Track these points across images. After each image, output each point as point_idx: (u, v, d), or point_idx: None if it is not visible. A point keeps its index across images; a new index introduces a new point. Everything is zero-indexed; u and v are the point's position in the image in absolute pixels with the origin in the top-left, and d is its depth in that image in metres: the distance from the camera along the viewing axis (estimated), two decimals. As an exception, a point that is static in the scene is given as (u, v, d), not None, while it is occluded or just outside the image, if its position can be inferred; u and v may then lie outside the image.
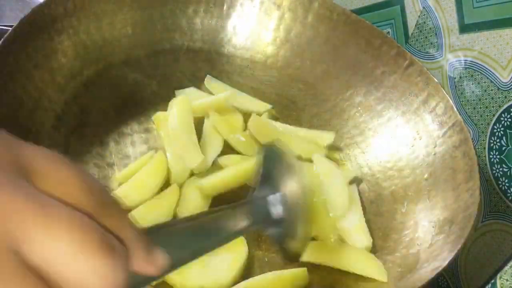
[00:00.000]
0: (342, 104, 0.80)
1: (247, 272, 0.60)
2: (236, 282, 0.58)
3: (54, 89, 0.68)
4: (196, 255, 0.39)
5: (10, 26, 0.63)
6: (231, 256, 0.59)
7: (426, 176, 0.70)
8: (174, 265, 0.35)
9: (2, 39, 0.61)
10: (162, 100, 0.74)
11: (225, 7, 0.84)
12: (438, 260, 0.57)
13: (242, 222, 0.45)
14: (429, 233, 0.63)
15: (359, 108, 0.79)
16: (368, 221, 0.69)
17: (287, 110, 0.80)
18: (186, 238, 0.37)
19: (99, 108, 0.71)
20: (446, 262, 0.56)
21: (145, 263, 0.29)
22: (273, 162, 0.51)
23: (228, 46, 0.84)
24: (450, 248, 0.58)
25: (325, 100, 0.81)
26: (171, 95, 0.75)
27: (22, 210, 0.23)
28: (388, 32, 0.85)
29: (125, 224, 0.28)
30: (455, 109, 0.70)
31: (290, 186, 0.50)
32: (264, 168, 0.52)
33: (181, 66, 0.80)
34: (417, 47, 0.81)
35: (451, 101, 0.70)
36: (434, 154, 0.70)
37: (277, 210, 0.48)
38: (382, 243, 0.66)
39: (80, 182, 0.26)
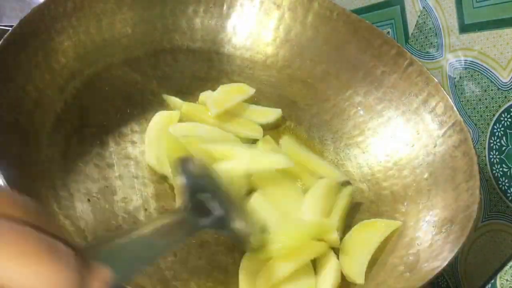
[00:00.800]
0: (342, 104, 0.80)
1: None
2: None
3: (54, 89, 0.68)
4: (138, 268, 0.40)
5: (10, 26, 0.63)
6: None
7: (426, 175, 0.70)
8: (125, 275, 0.35)
9: (2, 39, 0.61)
10: (162, 100, 0.74)
11: (225, 7, 0.84)
12: (438, 260, 0.57)
13: (188, 227, 0.47)
14: (429, 233, 0.63)
15: (359, 108, 0.79)
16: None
17: (287, 110, 0.80)
18: (128, 254, 0.37)
19: (99, 108, 0.71)
20: (446, 262, 0.56)
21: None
22: (191, 171, 0.54)
23: (228, 46, 0.84)
24: (450, 248, 0.58)
25: (325, 100, 0.81)
26: (171, 95, 0.75)
27: None
28: (388, 32, 0.85)
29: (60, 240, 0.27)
30: (455, 108, 0.70)
31: (214, 184, 0.54)
32: (185, 176, 0.53)
33: (181, 66, 0.80)
34: (417, 47, 0.81)
35: (451, 101, 0.70)
36: (434, 154, 0.70)
37: (213, 206, 0.50)
38: (383, 243, 0.66)
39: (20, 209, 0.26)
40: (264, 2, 0.84)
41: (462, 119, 0.69)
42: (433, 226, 0.64)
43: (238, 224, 0.53)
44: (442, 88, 0.72)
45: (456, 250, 0.57)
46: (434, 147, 0.70)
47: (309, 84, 0.82)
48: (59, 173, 0.63)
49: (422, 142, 0.72)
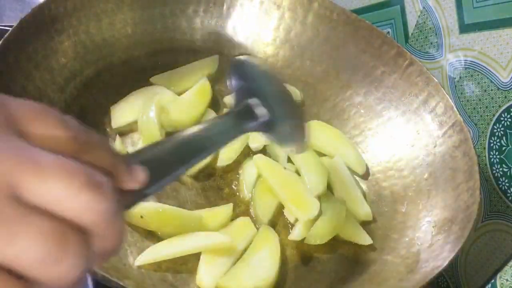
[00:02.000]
0: (342, 104, 0.80)
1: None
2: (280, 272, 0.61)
3: (54, 89, 0.68)
4: (183, 167, 0.41)
5: (10, 26, 0.63)
6: (267, 251, 0.61)
7: (426, 176, 0.70)
8: (160, 179, 0.37)
9: (2, 39, 0.61)
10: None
11: (225, 7, 0.84)
12: (438, 260, 0.58)
13: (233, 129, 0.48)
14: (429, 233, 0.63)
15: (359, 108, 0.79)
16: (368, 221, 0.69)
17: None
18: (170, 155, 0.40)
19: (99, 108, 0.71)
20: (446, 262, 0.56)
21: (127, 181, 0.32)
22: (244, 74, 0.55)
23: (228, 46, 0.84)
24: (450, 248, 0.58)
25: (325, 100, 0.81)
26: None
27: (15, 163, 0.25)
28: (388, 32, 0.85)
29: (107, 155, 0.31)
30: (455, 108, 0.70)
31: (267, 89, 0.54)
32: (236, 79, 0.54)
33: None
34: (417, 47, 0.81)
35: (451, 101, 0.70)
36: (434, 154, 0.70)
37: (261, 111, 0.50)
38: (382, 243, 0.66)
39: (65, 128, 0.29)
40: (264, 2, 0.84)
41: (462, 119, 0.69)
42: (433, 226, 0.64)
43: (282, 130, 0.53)
44: (442, 88, 0.72)
45: (456, 250, 0.57)
46: (434, 147, 0.70)
47: (309, 84, 0.82)
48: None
49: (422, 142, 0.72)
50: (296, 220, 0.66)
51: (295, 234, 0.64)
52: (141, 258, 0.57)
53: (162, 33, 0.81)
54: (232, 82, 0.54)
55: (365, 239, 0.66)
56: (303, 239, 0.64)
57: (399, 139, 0.75)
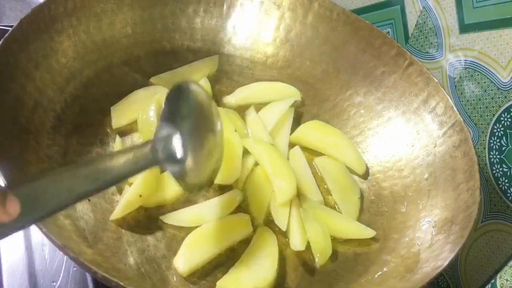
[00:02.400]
0: (342, 104, 0.80)
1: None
2: (278, 271, 0.61)
3: (54, 89, 0.68)
4: (71, 199, 0.42)
5: (10, 26, 0.63)
6: (266, 251, 0.62)
7: (426, 176, 0.70)
8: (39, 212, 0.39)
9: (2, 39, 0.61)
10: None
11: (225, 7, 0.84)
12: (439, 260, 0.57)
13: (141, 161, 0.48)
14: (429, 233, 0.63)
15: (359, 108, 0.79)
16: (368, 221, 0.69)
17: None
18: (55, 186, 0.40)
19: (99, 108, 0.71)
20: (447, 262, 0.56)
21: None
22: (181, 101, 0.53)
23: (228, 46, 0.84)
24: (451, 248, 0.58)
25: (325, 100, 0.81)
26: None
27: None
28: (388, 32, 0.85)
29: None
30: (455, 108, 0.70)
31: (195, 127, 0.53)
32: (170, 106, 0.53)
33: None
34: (417, 47, 0.81)
35: (451, 101, 0.70)
36: (434, 154, 0.70)
37: (179, 151, 0.50)
38: (382, 243, 0.66)
39: None
40: (264, 2, 0.84)
41: (462, 119, 0.69)
42: (433, 227, 0.64)
43: (194, 173, 0.52)
44: (442, 88, 0.72)
45: (456, 250, 0.57)
46: (434, 147, 0.70)
47: (309, 84, 0.82)
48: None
49: (422, 142, 0.72)
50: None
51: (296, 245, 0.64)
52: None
53: (162, 33, 0.81)
54: (164, 107, 0.53)
55: (368, 233, 0.66)
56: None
57: (399, 139, 0.75)
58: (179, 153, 0.51)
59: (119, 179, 0.49)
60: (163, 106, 0.53)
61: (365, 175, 0.74)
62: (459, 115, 0.69)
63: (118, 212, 0.61)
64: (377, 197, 0.72)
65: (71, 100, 0.69)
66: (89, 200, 0.62)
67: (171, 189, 0.65)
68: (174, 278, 0.58)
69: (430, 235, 0.63)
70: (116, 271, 0.55)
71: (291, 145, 0.76)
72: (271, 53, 0.85)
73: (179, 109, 0.53)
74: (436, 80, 0.72)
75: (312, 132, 0.77)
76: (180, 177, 0.52)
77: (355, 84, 0.80)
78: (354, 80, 0.80)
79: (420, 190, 0.69)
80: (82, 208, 0.61)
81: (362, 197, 0.72)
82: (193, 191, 0.65)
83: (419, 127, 0.73)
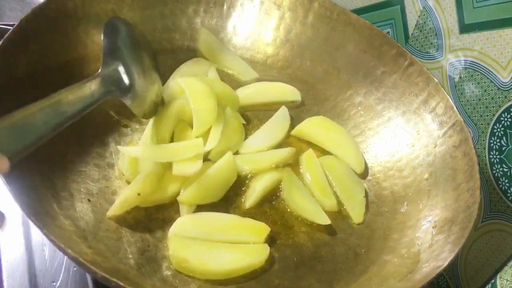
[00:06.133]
0: (342, 104, 0.80)
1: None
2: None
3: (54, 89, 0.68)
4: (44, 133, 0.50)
5: (10, 25, 0.63)
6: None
7: (426, 176, 0.70)
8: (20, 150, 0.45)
9: (2, 40, 0.61)
10: (162, 100, 0.74)
11: (225, 7, 0.84)
12: (439, 260, 0.57)
13: (95, 94, 0.57)
14: (429, 233, 0.63)
15: (359, 108, 0.79)
16: (368, 221, 0.69)
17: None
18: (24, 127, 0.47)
19: (99, 109, 0.70)
20: (447, 262, 0.56)
21: None
22: (115, 36, 0.64)
23: (228, 46, 0.84)
24: (451, 248, 0.58)
25: (325, 100, 0.81)
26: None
27: None
28: (388, 32, 0.85)
29: None
30: (455, 109, 0.70)
31: (133, 54, 0.64)
32: (109, 42, 0.63)
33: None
34: (417, 47, 0.81)
35: (451, 101, 0.70)
36: (434, 154, 0.70)
37: (126, 78, 0.61)
38: (383, 243, 0.66)
39: None
40: (264, 2, 0.84)
41: (462, 119, 0.69)
42: (433, 227, 0.64)
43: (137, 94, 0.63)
44: (442, 88, 0.72)
45: (456, 250, 0.57)
46: (435, 147, 0.71)
47: (310, 84, 0.83)
48: (59, 173, 0.63)
49: (422, 142, 0.72)
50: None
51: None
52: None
53: (162, 33, 0.81)
54: (104, 44, 0.62)
55: (323, 219, 0.66)
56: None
57: (399, 139, 0.75)
58: (126, 80, 0.61)
59: (81, 111, 0.56)
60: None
61: (365, 175, 0.74)
62: (459, 115, 0.69)
63: (114, 208, 0.61)
64: (377, 197, 0.72)
65: (71, 101, 0.69)
66: (89, 200, 0.62)
67: (170, 189, 0.65)
68: (174, 278, 0.58)
69: (430, 235, 0.63)
70: (116, 271, 0.55)
71: (295, 138, 0.77)
72: (271, 53, 0.85)
73: (117, 43, 0.64)
74: (436, 80, 0.72)
75: (316, 127, 0.77)
76: (132, 103, 0.62)
77: (356, 84, 0.80)
78: (355, 80, 0.80)
79: (420, 190, 0.69)
80: (82, 208, 0.61)
81: (367, 195, 0.72)
82: (146, 116, 0.68)
83: (419, 127, 0.73)
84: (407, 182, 0.71)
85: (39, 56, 0.66)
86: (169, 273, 0.58)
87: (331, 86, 0.82)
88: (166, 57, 0.80)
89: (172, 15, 0.81)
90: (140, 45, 0.68)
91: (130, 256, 0.58)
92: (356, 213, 0.69)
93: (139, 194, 0.61)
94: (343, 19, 0.81)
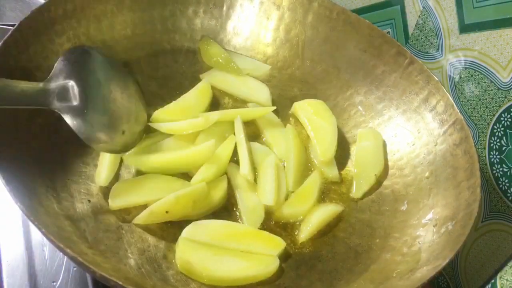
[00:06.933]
0: (342, 104, 0.80)
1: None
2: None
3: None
4: None
5: (11, 25, 0.63)
6: None
7: (427, 174, 0.70)
8: None
9: (2, 41, 0.61)
10: (161, 101, 0.74)
11: (224, 7, 0.84)
12: (439, 258, 0.57)
13: (38, 97, 0.56)
14: (430, 231, 0.63)
15: (360, 108, 0.79)
16: (369, 220, 0.69)
17: (287, 110, 0.80)
18: None
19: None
20: (447, 261, 0.56)
21: None
22: (78, 59, 0.62)
23: (228, 47, 0.85)
24: (451, 247, 0.58)
25: (325, 99, 0.80)
26: (171, 96, 0.75)
27: None
28: (388, 32, 0.85)
29: None
30: (456, 107, 0.70)
31: (90, 77, 0.61)
32: (65, 60, 0.61)
33: (181, 67, 0.80)
34: (417, 47, 0.81)
35: (451, 99, 0.70)
36: (435, 153, 0.70)
37: (75, 97, 0.57)
38: (384, 242, 0.66)
39: None
40: (264, 2, 0.84)
41: (462, 117, 0.68)
42: (434, 225, 0.63)
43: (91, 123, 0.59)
44: (442, 87, 0.72)
45: (457, 249, 0.57)
46: (435, 145, 0.70)
47: (310, 84, 0.83)
48: (60, 173, 0.63)
49: (423, 141, 0.72)
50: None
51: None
52: None
53: (162, 34, 0.81)
54: (60, 60, 0.60)
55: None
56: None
57: (400, 138, 0.75)
58: (75, 100, 0.57)
59: (17, 103, 0.56)
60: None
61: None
62: (459, 113, 0.69)
63: (140, 218, 0.61)
64: (378, 196, 0.72)
65: (71, 101, 0.69)
66: (89, 201, 0.62)
67: (199, 206, 0.64)
68: (174, 278, 0.58)
69: (431, 234, 0.63)
70: (116, 271, 0.55)
71: (292, 116, 0.79)
72: (271, 54, 0.85)
73: (77, 65, 0.61)
74: (436, 79, 0.72)
75: (306, 109, 0.78)
76: (82, 130, 0.59)
77: (356, 84, 0.80)
78: (355, 80, 0.80)
79: (421, 189, 0.69)
80: (82, 209, 0.61)
81: (380, 175, 0.73)
82: (127, 147, 0.66)
83: (419, 126, 0.73)
84: (407, 181, 0.71)
85: (40, 58, 0.67)
86: (169, 273, 0.58)
87: (331, 86, 0.82)
88: (165, 58, 0.80)
89: (172, 16, 0.81)
90: (119, 76, 0.67)
91: (130, 256, 0.59)
92: (359, 187, 0.71)
93: (167, 212, 0.61)
94: (343, 19, 0.81)
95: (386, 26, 0.86)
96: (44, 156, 0.62)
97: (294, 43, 0.84)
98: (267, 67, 0.84)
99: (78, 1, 0.71)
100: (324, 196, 0.71)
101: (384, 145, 0.75)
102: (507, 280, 0.58)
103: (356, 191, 0.71)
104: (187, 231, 0.60)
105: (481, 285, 0.73)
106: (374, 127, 0.77)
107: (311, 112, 0.77)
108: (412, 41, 0.82)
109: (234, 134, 0.72)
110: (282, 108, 0.80)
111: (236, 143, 0.71)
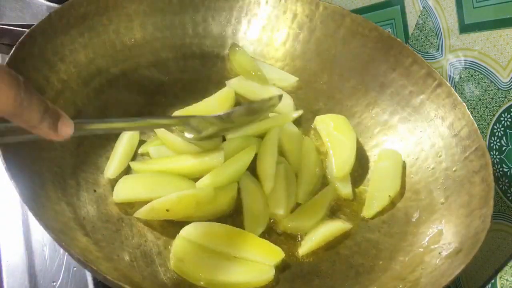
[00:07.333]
0: (366, 122, 0.78)
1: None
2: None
3: (78, 83, 0.70)
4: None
5: (11, 25, 0.65)
6: None
7: (442, 200, 0.67)
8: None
9: (29, 30, 0.64)
10: (184, 103, 0.75)
11: (258, 17, 0.84)
12: (436, 284, 0.55)
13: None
14: (435, 257, 0.60)
15: (383, 127, 0.77)
16: (376, 241, 0.67)
17: (309, 123, 0.79)
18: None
19: (120, 105, 0.73)
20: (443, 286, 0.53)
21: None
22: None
23: (257, 56, 0.85)
24: (450, 273, 0.55)
25: (350, 116, 0.79)
26: (195, 99, 0.76)
27: None
28: (388, 32, 0.83)
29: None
30: (479, 133, 0.67)
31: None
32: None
33: (208, 71, 0.81)
34: (417, 47, 0.80)
35: (475, 125, 0.68)
36: (453, 179, 0.67)
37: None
38: (387, 264, 0.63)
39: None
40: (297, 15, 0.84)
41: (485, 144, 0.66)
42: (439, 252, 0.61)
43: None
44: (468, 112, 0.69)
45: (456, 274, 0.54)
46: (454, 171, 0.68)
47: (335, 100, 0.81)
48: (70, 161, 0.64)
49: (443, 166, 0.69)
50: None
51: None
52: None
53: (192, 38, 0.82)
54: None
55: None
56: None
57: (420, 161, 0.72)
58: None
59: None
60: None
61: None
62: (482, 140, 0.66)
63: (141, 212, 0.62)
64: (389, 217, 0.69)
65: (93, 95, 0.72)
66: (95, 191, 0.63)
67: (202, 209, 0.64)
68: (165, 275, 0.58)
69: (435, 260, 0.60)
70: (107, 260, 0.56)
71: (314, 129, 0.79)
72: (299, 66, 0.84)
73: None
74: (463, 103, 0.70)
75: (327, 122, 0.77)
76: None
77: (382, 103, 0.78)
78: (381, 98, 0.78)
79: (434, 214, 0.66)
80: (87, 198, 0.62)
81: (394, 197, 0.70)
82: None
83: (442, 150, 0.70)
84: (422, 204, 0.68)
85: (66, 49, 0.69)
86: (160, 270, 0.58)
87: (358, 103, 0.80)
88: (194, 61, 0.82)
89: (204, 21, 0.82)
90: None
91: (125, 248, 0.59)
92: (372, 207, 0.69)
93: (168, 210, 0.61)
94: (375, 35, 0.79)
95: (386, 26, 0.85)
96: (57, 142, 0.63)
97: (324, 57, 0.83)
98: (294, 78, 0.83)
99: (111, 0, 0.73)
100: (334, 212, 0.69)
101: (404, 166, 0.73)
102: (507, 280, 0.57)
103: (368, 211, 0.69)
104: (186, 230, 0.60)
105: (481, 285, 0.71)
106: (396, 148, 0.75)
107: (331, 126, 0.76)
108: (412, 41, 0.81)
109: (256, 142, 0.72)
110: (304, 120, 0.79)
111: (257, 154, 0.70)
